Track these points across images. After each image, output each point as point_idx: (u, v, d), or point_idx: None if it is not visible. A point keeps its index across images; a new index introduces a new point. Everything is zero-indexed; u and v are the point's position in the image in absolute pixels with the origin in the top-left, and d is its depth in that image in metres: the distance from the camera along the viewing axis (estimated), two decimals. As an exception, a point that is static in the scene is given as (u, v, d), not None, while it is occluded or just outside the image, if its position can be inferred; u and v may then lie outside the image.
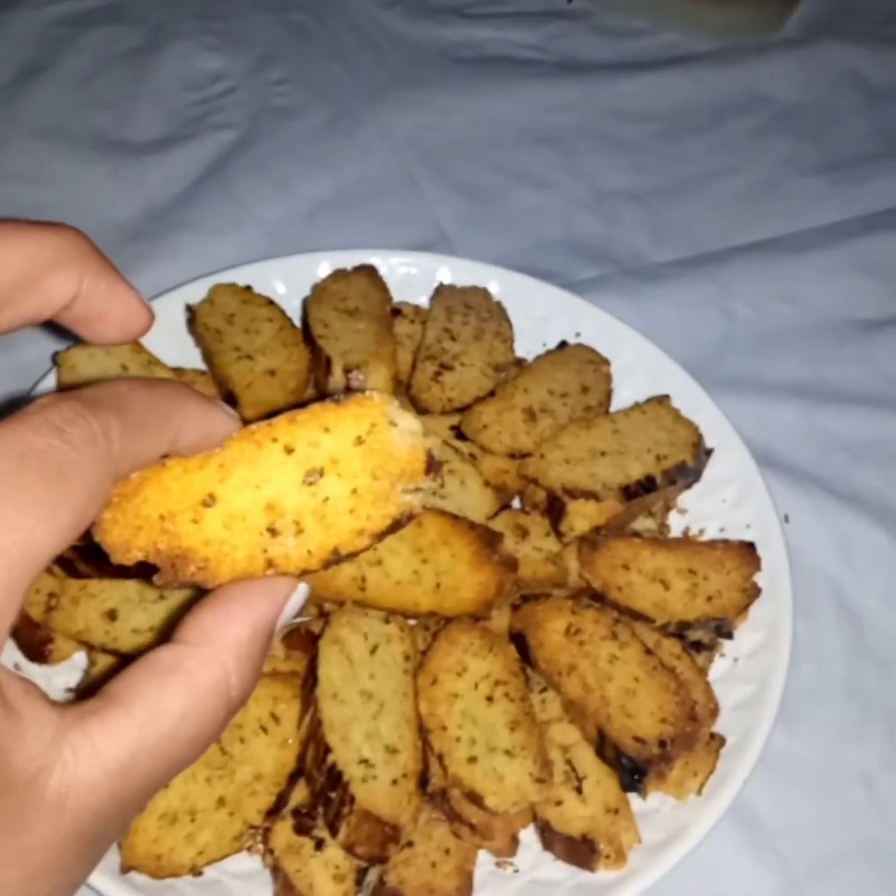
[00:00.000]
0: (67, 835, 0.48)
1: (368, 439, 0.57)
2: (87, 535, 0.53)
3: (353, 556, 0.58)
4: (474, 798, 0.94)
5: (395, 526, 0.58)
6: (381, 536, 0.58)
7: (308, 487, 0.57)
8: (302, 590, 0.59)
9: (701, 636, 1.09)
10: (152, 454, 0.54)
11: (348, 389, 0.59)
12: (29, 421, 0.48)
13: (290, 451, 0.57)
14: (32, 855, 0.47)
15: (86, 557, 1.01)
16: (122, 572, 1.01)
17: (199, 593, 0.57)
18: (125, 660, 0.55)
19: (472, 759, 0.96)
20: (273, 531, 0.56)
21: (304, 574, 0.58)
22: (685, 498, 1.21)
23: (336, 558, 0.57)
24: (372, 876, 0.95)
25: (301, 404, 0.58)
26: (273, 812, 0.95)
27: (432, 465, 0.58)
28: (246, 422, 0.59)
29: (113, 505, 0.54)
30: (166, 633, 0.56)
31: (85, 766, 0.48)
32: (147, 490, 0.55)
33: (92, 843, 0.50)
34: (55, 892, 0.50)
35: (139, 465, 0.54)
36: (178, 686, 0.52)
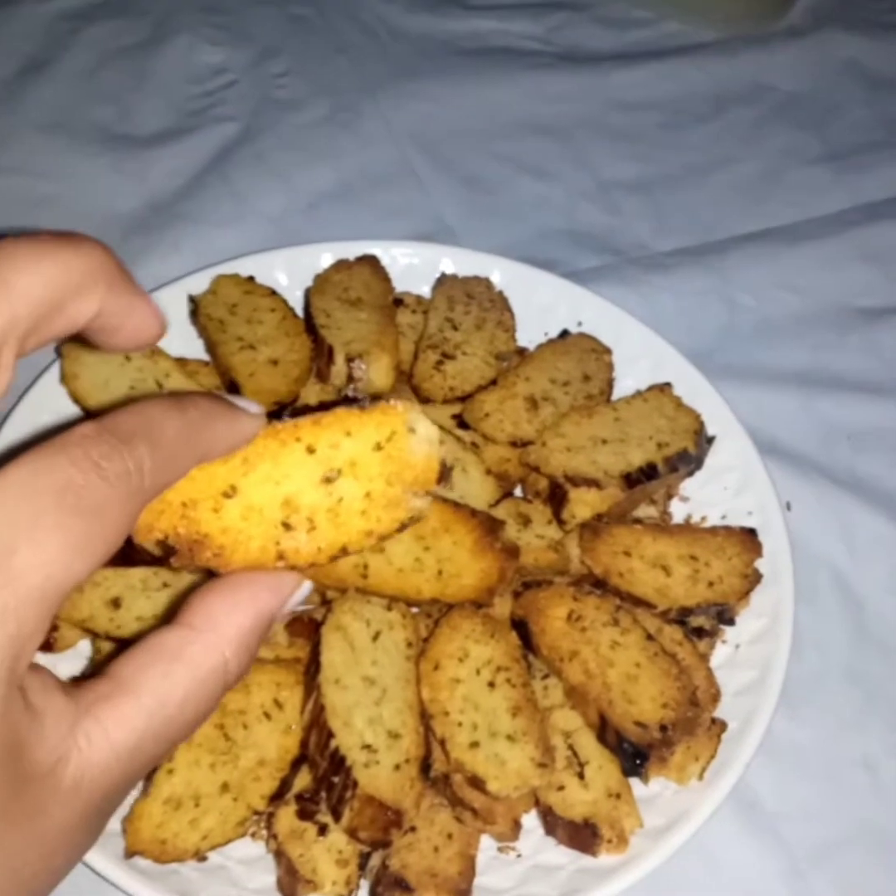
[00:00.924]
0: (81, 815, 0.52)
1: (387, 446, 0.60)
2: None
3: (357, 552, 0.61)
4: (476, 783, 0.94)
5: (401, 528, 0.61)
6: (386, 538, 0.61)
7: (325, 487, 0.59)
8: (305, 587, 0.62)
9: (702, 622, 1.10)
10: (179, 478, 0.57)
11: (374, 398, 0.62)
12: (68, 453, 0.50)
13: (311, 451, 0.60)
14: (49, 836, 0.51)
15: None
16: (127, 560, 1.02)
17: (203, 580, 0.60)
18: (127, 646, 0.57)
19: (475, 745, 0.96)
20: (287, 525, 0.59)
21: (311, 567, 0.60)
22: (687, 485, 1.21)
23: (342, 555, 0.60)
24: (375, 861, 0.95)
25: (328, 406, 0.61)
26: (276, 797, 0.96)
27: (444, 475, 0.61)
28: (270, 416, 0.61)
29: None
30: (171, 612, 0.58)
31: (98, 752, 0.51)
32: None
33: (99, 817, 0.54)
34: (67, 863, 0.54)
35: (166, 490, 0.56)
36: (182, 672, 0.55)
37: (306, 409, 0.62)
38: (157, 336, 0.61)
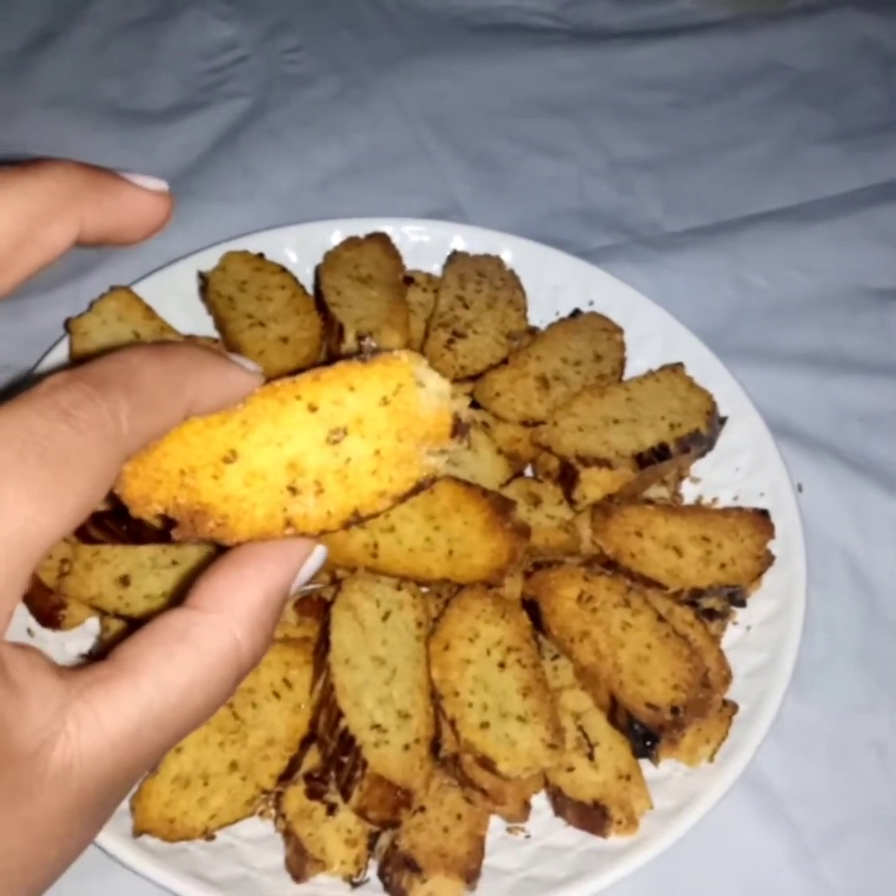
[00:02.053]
0: (73, 804, 0.48)
1: (394, 400, 0.56)
2: (110, 496, 0.53)
3: (372, 517, 0.57)
4: (486, 763, 0.94)
5: (418, 488, 0.57)
6: (402, 499, 0.57)
7: (331, 447, 0.55)
8: (318, 553, 0.58)
9: (714, 604, 1.09)
10: (166, 428, 0.54)
11: (375, 351, 0.57)
12: (35, 404, 0.48)
13: (313, 409, 0.55)
14: (37, 824, 0.48)
15: (99, 523, 1.01)
16: (136, 538, 1.02)
17: (212, 557, 0.57)
18: (136, 625, 0.54)
19: (485, 725, 0.96)
20: (293, 490, 0.55)
21: (322, 534, 0.57)
22: (699, 466, 1.21)
23: (356, 519, 0.56)
24: (384, 840, 0.95)
25: (327, 362, 0.57)
26: (285, 777, 0.96)
27: (459, 429, 0.57)
28: (269, 379, 0.58)
29: (133, 459, 0.54)
30: (179, 595, 0.55)
31: (89, 738, 0.48)
32: (168, 444, 0.55)
33: (98, 808, 0.50)
34: (62, 855, 0.50)
35: (152, 441, 0.53)
36: (186, 655, 0.52)
37: (305, 368, 0.57)
38: (164, 214, 0.58)
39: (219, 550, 0.57)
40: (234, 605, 0.54)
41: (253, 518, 0.55)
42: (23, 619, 1.04)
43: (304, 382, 0.56)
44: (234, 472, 0.55)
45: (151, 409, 0.52)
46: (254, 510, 0.55)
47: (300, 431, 0.55)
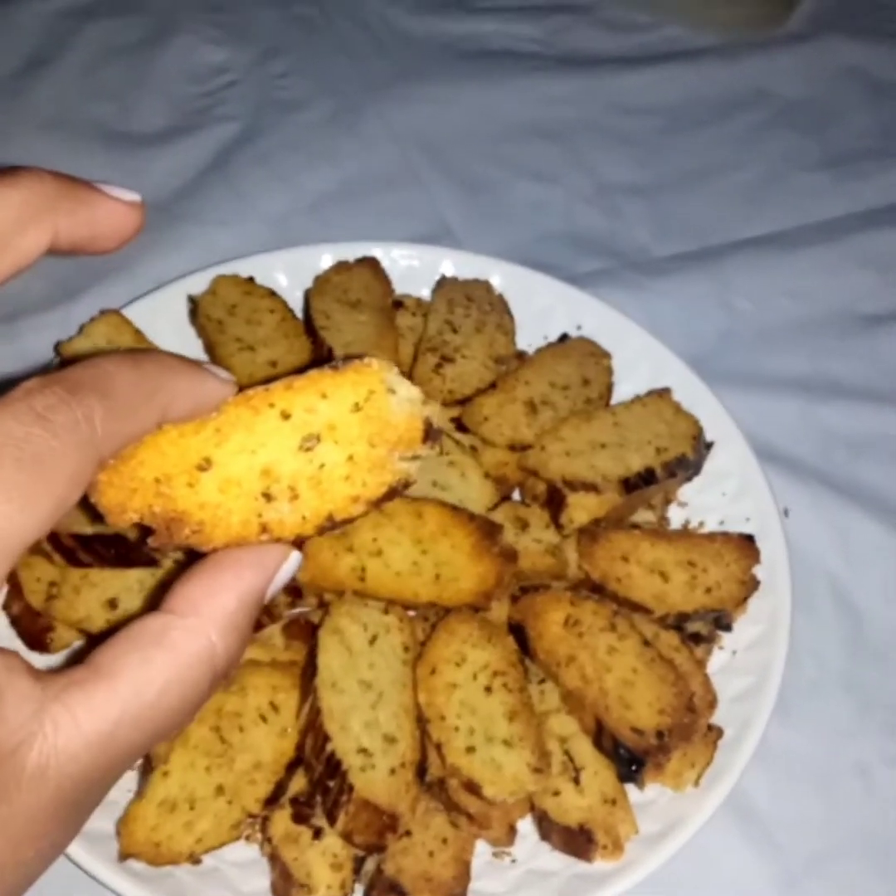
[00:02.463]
0: (49, 803, 0.49)
1: (366, 406, 0.56)
2: (94, 513, 0.54)
3: (348, 522, 0.57)
4: (472, 787, 0.94)
5: (391, 494, 0.58)
6: (376, 504, 0.58)
7: (304, 453, 0.56)
8: (294, 558, 0.58)
9: (699, 628, 1.10)
10: (139, 433, 0.54)
11: (347, 358, 0.58)
12: (10, 408, 0.48)
13: (286, 416, 0.56)
14: (13, 823, 0.48)
15: (88, 547, 1.02)
16: (124, 561, 1.02)
17: (188, 564, 0.58)
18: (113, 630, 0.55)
19: (471, 749, 0.96)
20: (268, 496, 0.56)
21: (298, 540, 0.57)
22: (685, 491, 1.21)
23: (331, 524, 0.57)
24: (369, 865, 0.95)
25: (300, 371, 0.58)
26: (271, 801, 0.95)
27: (430, 434, 0.58)
28: (242, 388, 0.58)
29: (109, 468, 0.54)
30: (155, 601, 0.56)
31: (65, 738, 0.49)
32: (143, 453, 0.55)
33: (75, 808, 0.51)
34: (39, 856, 0.51)
35: (125, 445, 0.54)
36: (163, 658, 0.53)
37: (278, 376, 0.57)
38: (136, 225, 0.60)
39: (194, 556, 0.57)
40: (211, 610, 0.55)
41: (229, 524, 0.56)
42: (10, 642, 1.04)
43: (278, 390, 0.57)
44: (208, 479, 0.56)
45: (125, 414, 0.52)
46: (229, 517, 0.56)
47: (274, 439, 0.56)
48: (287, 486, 0.56)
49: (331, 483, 0.57)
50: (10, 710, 0.48)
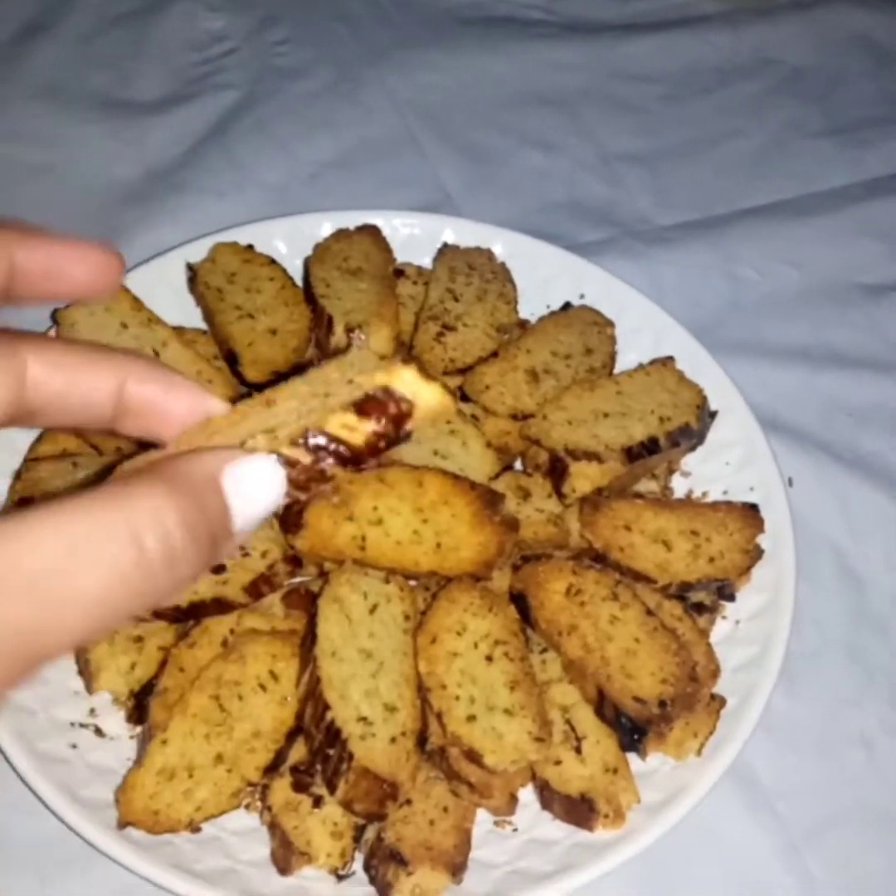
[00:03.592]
0: None
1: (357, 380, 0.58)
2: None
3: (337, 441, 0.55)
4: (473, 756, 0.94)
5: (383, 440, 0.55)
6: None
7: (316, 400, 0.57)
8: (272, 466, 0.54)
9: (702, 598, 1.09)
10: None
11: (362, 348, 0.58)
12: None
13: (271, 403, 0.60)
14: None
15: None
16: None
17: None
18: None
19: (472, 718, 0.95)
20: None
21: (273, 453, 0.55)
22: (689, 460, 1.21)
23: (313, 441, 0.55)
24: (370, 833, 0.95)
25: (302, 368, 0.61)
26: (271, 769, 0.95)
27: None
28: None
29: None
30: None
31: None
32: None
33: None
34: None
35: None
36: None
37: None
38: (115, 274, 0.60)
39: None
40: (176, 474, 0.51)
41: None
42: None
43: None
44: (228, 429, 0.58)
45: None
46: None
47: (286, 410, 0.58)
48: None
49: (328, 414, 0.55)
50: None
